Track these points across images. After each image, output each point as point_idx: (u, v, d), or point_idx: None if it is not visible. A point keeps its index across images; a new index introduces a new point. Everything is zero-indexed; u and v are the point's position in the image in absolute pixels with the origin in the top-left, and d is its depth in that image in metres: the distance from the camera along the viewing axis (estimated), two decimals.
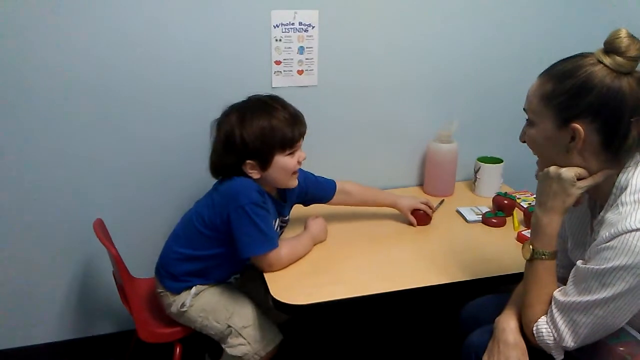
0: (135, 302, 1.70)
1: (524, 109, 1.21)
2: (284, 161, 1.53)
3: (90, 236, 1.69)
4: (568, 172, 1.14)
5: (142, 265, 1.91)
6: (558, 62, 1.15)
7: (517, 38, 2.16)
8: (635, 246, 1.01)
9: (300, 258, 1.62)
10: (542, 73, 1.17)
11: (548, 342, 1.15)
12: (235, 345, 1.59)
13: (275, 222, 1.61)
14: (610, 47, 1.08)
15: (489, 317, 1.32)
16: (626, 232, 1.02)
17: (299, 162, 1.57)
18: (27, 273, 1.95)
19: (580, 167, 1.14)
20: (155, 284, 1.70)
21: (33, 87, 1.74)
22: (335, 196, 1.82)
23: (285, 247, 1.57)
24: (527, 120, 1.21)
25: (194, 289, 1.61)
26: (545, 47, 2.14)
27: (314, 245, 1.69)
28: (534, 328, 1.18)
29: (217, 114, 1.90)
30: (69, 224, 1.92)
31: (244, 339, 1.59)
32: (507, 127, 2.00)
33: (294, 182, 1.61)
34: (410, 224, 1.85)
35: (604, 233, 1.06)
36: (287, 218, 1.73)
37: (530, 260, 1.21)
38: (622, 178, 1.11)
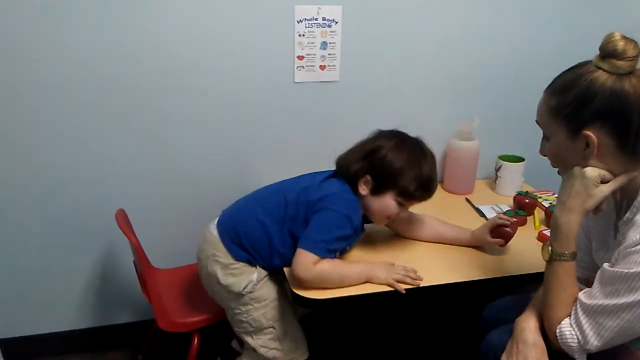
0: (154, 291, 1.72)
1: (536, 122, 1.22)
2: (389, 202, 1.49)
3: (112, 226, 1.71)
4: (592, 172, 1.13)
5: (163, 256, 1.93)
6: (559, 75, 1.17)
7: (539, 36, 2.13)
8: None
9: (341, 286, 1.43)
10: (547, 88, 1.18)
11: (572, 344, 1.14)
12: (270, 347, 1.59)
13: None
14: (606, 52, 1.09)
15: (510, 318, 1.31)
16: None
17: (397, 216, 1.54)
18: (49, 261, 1.98)
19: None
20: (211, 245, 1.58)
21: (62, 81, 1.76)
22: (398, 224, 1.69)
23: (328, 263, 1.43)
24: (543, 133, 1.22)
25: (256, 275, 1.56)
26: (567, 46, 2.12)
27: (366, 281, 1.46)
28: (557, 331, 1.16)
29: (239, 108, 1.93)
30: (92, 214, 1.94)
31: (280, 345, 1.59)
32: (528, 125, 1.96)
33: (380, 223, 1.60)
34: (499, 245, 1.62)
35: (634, 236, 1.05)
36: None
37: (550, 262, 1.20)
38: None
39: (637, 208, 1.12)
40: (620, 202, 1.21)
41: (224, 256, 1.56)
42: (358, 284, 1.46)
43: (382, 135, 1.55)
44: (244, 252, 1.55)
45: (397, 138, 1.52)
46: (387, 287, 1.45)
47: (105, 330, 2.13)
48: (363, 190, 1.51)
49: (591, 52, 1.14)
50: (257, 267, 1.57)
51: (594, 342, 1.11)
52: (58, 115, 1.80)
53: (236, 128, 1.96)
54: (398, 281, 1.45)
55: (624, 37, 1.09)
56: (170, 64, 1.83)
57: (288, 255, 1.48)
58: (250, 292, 1.55)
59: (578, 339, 1.13)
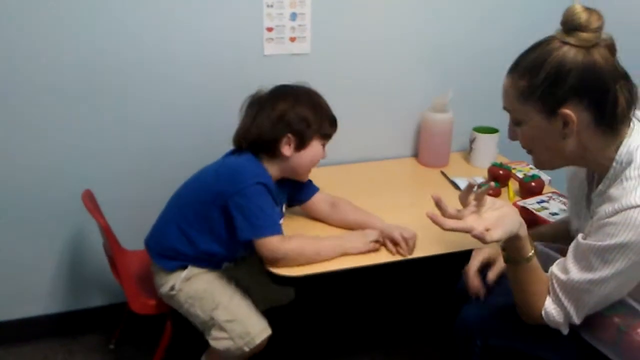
0: (125, 273, 1.69)
1: (504, 108, 1.17)
2: (317, 148, 1.55)
3: (79, 208, 1.67)
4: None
5: (133, 237, 1.88)
6: (522, 55, 1.13)
7: (514, 5, 2.11)
8: (638, 222, 0.99)
9: (319, 261, 1.46)
10: (510, 70, 1.14)
11: (559, 320, 1.14)
12: (218, 339, 1.56)
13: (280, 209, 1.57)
14: (571, 25, 1.06)
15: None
16: (630, 208, 1.01)
17: (322, 157, 1.59)
18: (15, 245, 1.92)
19: (580, 148, 1.11)
20: (150, 261, 1.66)
21: (24, 63, 1.70)
22: (319, 205, 1.69)
23: (297, 239, 1.48)
24: (511, 118, 1.18)
25: (185, 272, 1.57)
26: (543, 15, 2.09)
27: (344, 254, 1.48)
28: (543, 313, 1.15)
29: (208, 83, 1.88)
30: (58, 196, 1.89)
31: (227, 333, 1.55)
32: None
33: (307, 176, 1.63)
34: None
35: (607, 208, 1.05)
36: (283, 211, 1.66)
37: (511, 264, 1.19)
38: (624, 151, 1.09)
39: (610, 180, 1.11)
40: (592, 174, 1.20)
41: (154, 268, 1.63)
42: (334, 258, 1.47)
43: (275, 98, 1.55)
44: (173, 261, 1.58)
45: (291, 93, 1.56)
46: (366, 262, 1.46)
47: (77, 315, 2.09)
48: (287, 150, 1.51)
49: None
50: (189, 267, 1.58)
51: (575, 317, 1.12)
52: (17, 95, 1.74)
53: (205, 104, 1.91)
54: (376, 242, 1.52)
55: (586, 9, 1.06)
56: (135, 40, 1.77)
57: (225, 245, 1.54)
58: (180, 290, 1.57)
59: (564, 313, 1.13)
